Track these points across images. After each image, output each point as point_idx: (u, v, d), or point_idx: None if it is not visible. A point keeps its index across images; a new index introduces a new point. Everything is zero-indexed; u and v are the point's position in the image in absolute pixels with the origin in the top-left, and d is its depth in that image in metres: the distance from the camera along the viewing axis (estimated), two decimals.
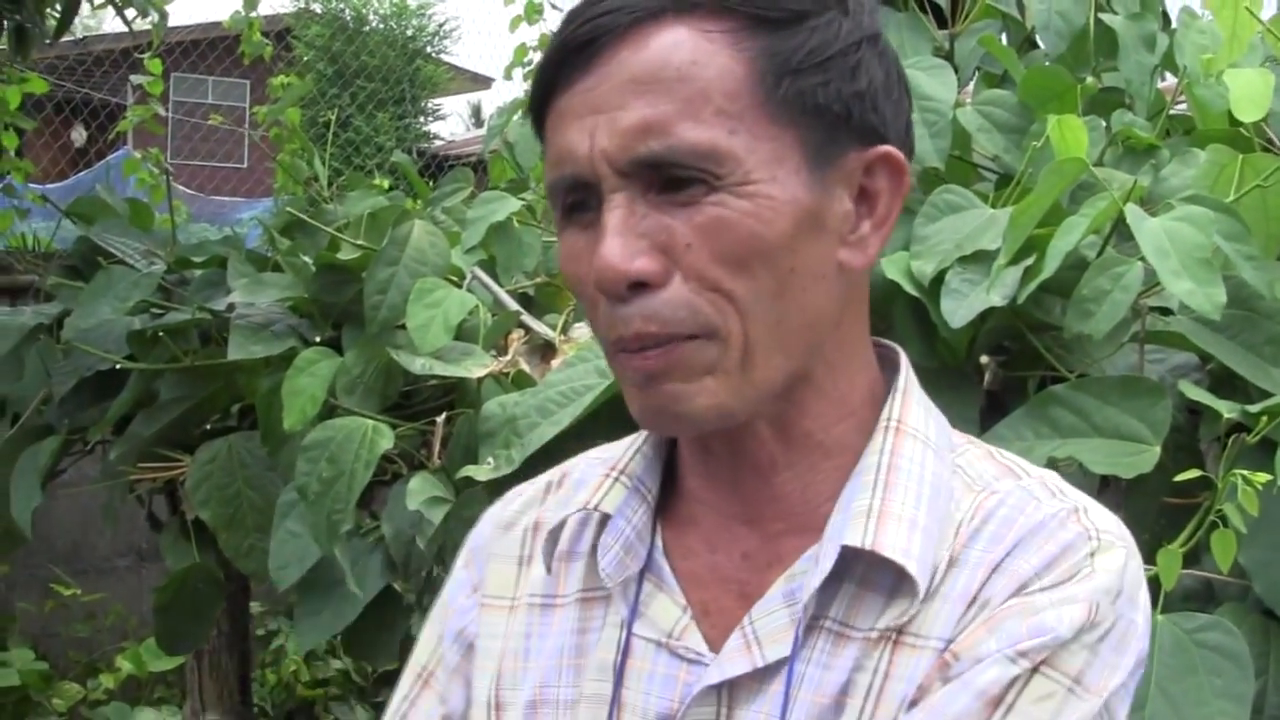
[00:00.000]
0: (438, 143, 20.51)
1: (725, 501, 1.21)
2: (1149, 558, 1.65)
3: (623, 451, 1.28)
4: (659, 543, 1.23)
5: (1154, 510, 1.79)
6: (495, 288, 2.99)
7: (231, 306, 3.04)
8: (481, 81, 24.38)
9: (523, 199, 3.13)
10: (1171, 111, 2.59)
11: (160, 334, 3.18)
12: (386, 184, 5.55)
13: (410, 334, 2.63)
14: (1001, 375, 2.12)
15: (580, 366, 2.29)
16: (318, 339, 3.00)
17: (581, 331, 2.74)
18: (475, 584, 1.34)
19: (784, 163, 1.09)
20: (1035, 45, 2.95)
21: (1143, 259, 1.81)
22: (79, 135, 14.16)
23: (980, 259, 2.00)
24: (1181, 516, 1.73)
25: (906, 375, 1.22)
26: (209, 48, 13.77)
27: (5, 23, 4.29)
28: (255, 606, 5.99)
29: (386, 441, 2.51)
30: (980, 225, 2.07)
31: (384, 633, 2.80)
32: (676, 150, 1.06)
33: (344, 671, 6.57)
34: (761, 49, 1.09)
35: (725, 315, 1.08)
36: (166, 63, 5.94)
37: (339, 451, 2.51)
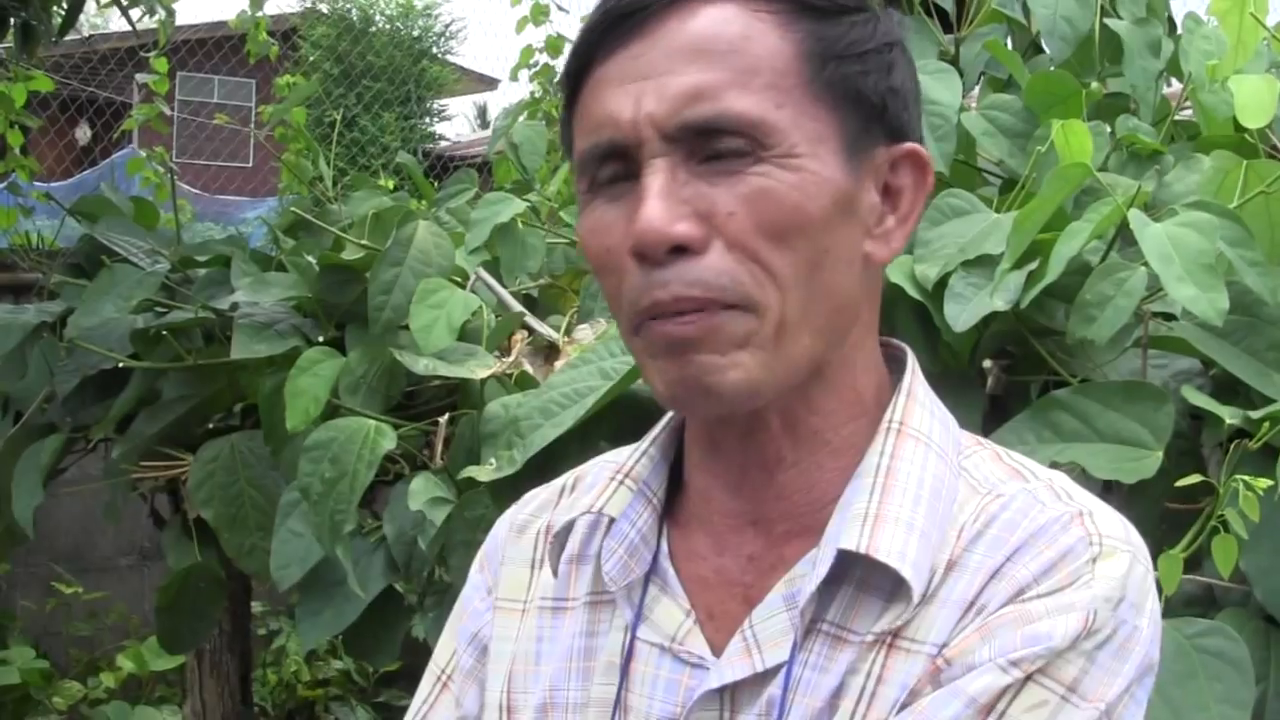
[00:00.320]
0: (443, 143, 20.51)
1: (732, 500, 1.21)
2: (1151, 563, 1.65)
3: (628, 454, 1.28)
4: (664, 546, 1.23)
5: (1156, 515, 1.79)
6: (499, 289, 2.99)
7: (235, 306, 3.04)
8: (487, 83, 24.39)
9: (527, 200, 3.14)
10: (1176, 117, 2.59)
11: (164, 333, 3.17)
12: (391, 184, 5.57)
13: (414, 334, 2.63)
14: (1004, 379, 2.12)
15: (583, 368, 2.29)
16: (321, 339, 2.99)
17: (584, 333, 2.74)
18: (489, 587, 1.35)
19: (825, 142, 1.10)
20: (1040, 50, 2.95)
21: (1146, 264, 1.81)
22: (83, 134, 14.19)
23: (984, 263, 2.00)
24: (1183, 522, 1.73)
25: (912, 375, 1.22)
26: (215, 47, 13.79)
27: (11, 20, 4.29)
28: (256, 606, 5.99)
29: (389, 442, 2.51)
30: (984, 229, 2.07)
31: (385, 633, 2.80)
32: (726, 117, 1.07)
33: (345, 672, 6.58)
34: (808, 32, 1.11)
35: (763, 287, 1.07)
36: (172, 62, 5.96)
37: (341, 451, 2.51)
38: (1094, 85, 2.56)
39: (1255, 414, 1.68)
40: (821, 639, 1.13)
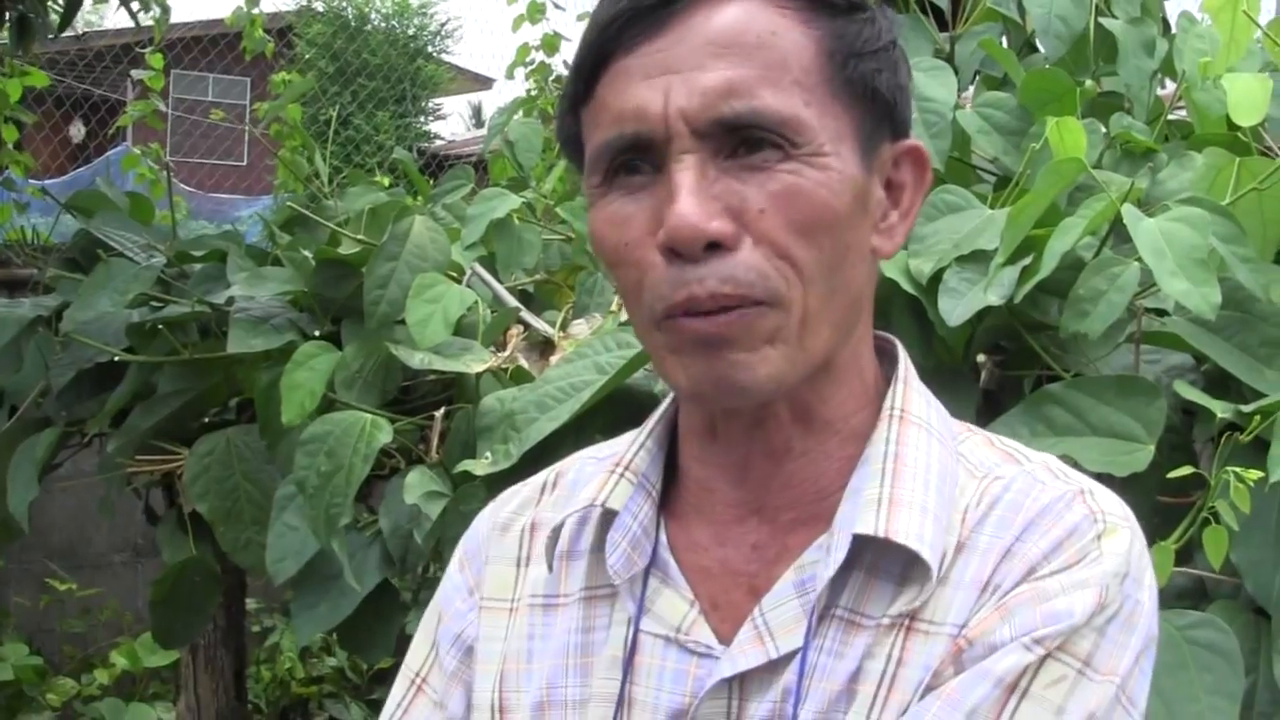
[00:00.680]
0: (438, 142, 20.52)
1: (734, 490, 1.21)
2: None
3: (626, 448, 1.28)
4: (664, 538, 1.23)
5: (1148, 509, 1.80)
6: (495, 284, 3.00)
7: (231, 300, 3.05)
8: (482, 82, 24.41)
9: (523, 196, 3.14)
10: (1170, 116, 2.60)
11: (159, 327, 3.18)
12: (387, 182, 5.58)
13: (410, 329, 2.64)
14: (998, 374, 2.13)
15: (579, 362, 2.30)
16: (317, 333, 3.00)
17: (580, 328, 2.75)
18: (472, 586, 1.34)
19: (845, 140, 1.12)
20: (1035, 48, 2.96)
21: (1139, 260, 1.82)
22: (77, 131, 14.18)
23: (978, 259, 2.01)
24: (1175, 515, 1.74)
25: (906, 365, 1.24)
26: (210, 44, 13.78)
27: (7, 15, 4.30)
28: (250, 603, 5.99)
29: (385, 436, 2.52)
30: (978, 225, 2.08)
31: (380, 627, 2.80)
32: (760, 114, 1.08)
33: (339, 669, 6.58)
34: (828, 30, 1.12)
35: (790, 283, 1.09)
36: (167, 59, 5.96)
37: (337, 445, 2.51)
38: (1088, 84, 2.57)
39: (1247, 408, 1.70)
40: (836, 624, 1.14)
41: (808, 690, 1.13)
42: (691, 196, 1.06)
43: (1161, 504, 1.82)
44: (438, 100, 23.59)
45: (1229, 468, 1.57)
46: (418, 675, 1.36)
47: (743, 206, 1.08)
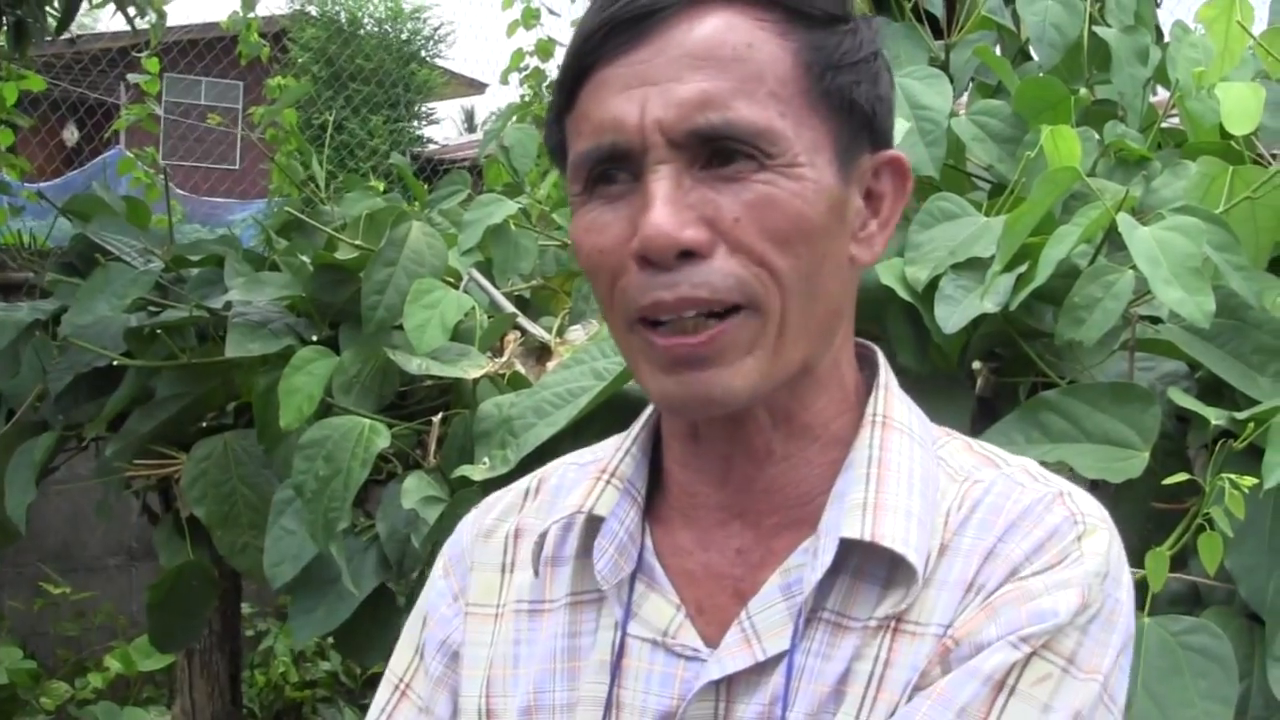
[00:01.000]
0: (431, 147, 20.50)
1: (717, 494, 1.23)
2: (1137, 561, 1.67)
3: (610, 454, 1.29)
4: (649, 543, 1.25)
5: (1142, 515, 1.81)
6: (491, 290, 3.01)
7: (229, 305, 3.05)
8: (475, 86, 24.40)
9: (518, 202, 3.15)
10: (1163, 124, 2.61)
11: (157, 331, 3.19)
12: (381, 187, 5.59)
13: (407, 334, 2.64)
14: (993, 381, 2.14)
15: (576, 368, 2.31)
16: (315, 338, 3.01)
17: (576, 334, 2.76)
18: (457, 592, 1.35)
19: (821, 152, 1.13)
20: (1029, 57, 2.98)
21: (1134, 268, 1.84)
22: (71, 134, 14.17)
23: (973, 266, 2.02)
24: (1169, 521, 1.75)
25: (887, 371, 1.26)
26: (206, 48, 13.77)
27: (5, 19, 4.30)
28: (244, 608, 6.00)
29: (383, 440, 2.53)
30: (974, 233, 2.09)
31: (377, 632, 2.81)
32: (735, 125, 1.09)
33: (332, 673, 6.58)
34: (805, 42, 1.13)
35: (768, 289, 1.10)
36: (162, 63, 5.96)
37: (336, 450, 2.52)
38: (1082, 92, 2.58)
39: (1241, 415, 1.71)
40: (823, 627, 1.16)
41: (796, 692, 1.14)
42: (666, 206, 1.08)
43: (1156, 510, 1.83)
44: (431, 105, 23.57)
45: (1224, 474, 1.58)
46: (402, 680, 1.37)
47: (717, 215, 1.09)
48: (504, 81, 5.74)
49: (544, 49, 5.54)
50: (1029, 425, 1.85)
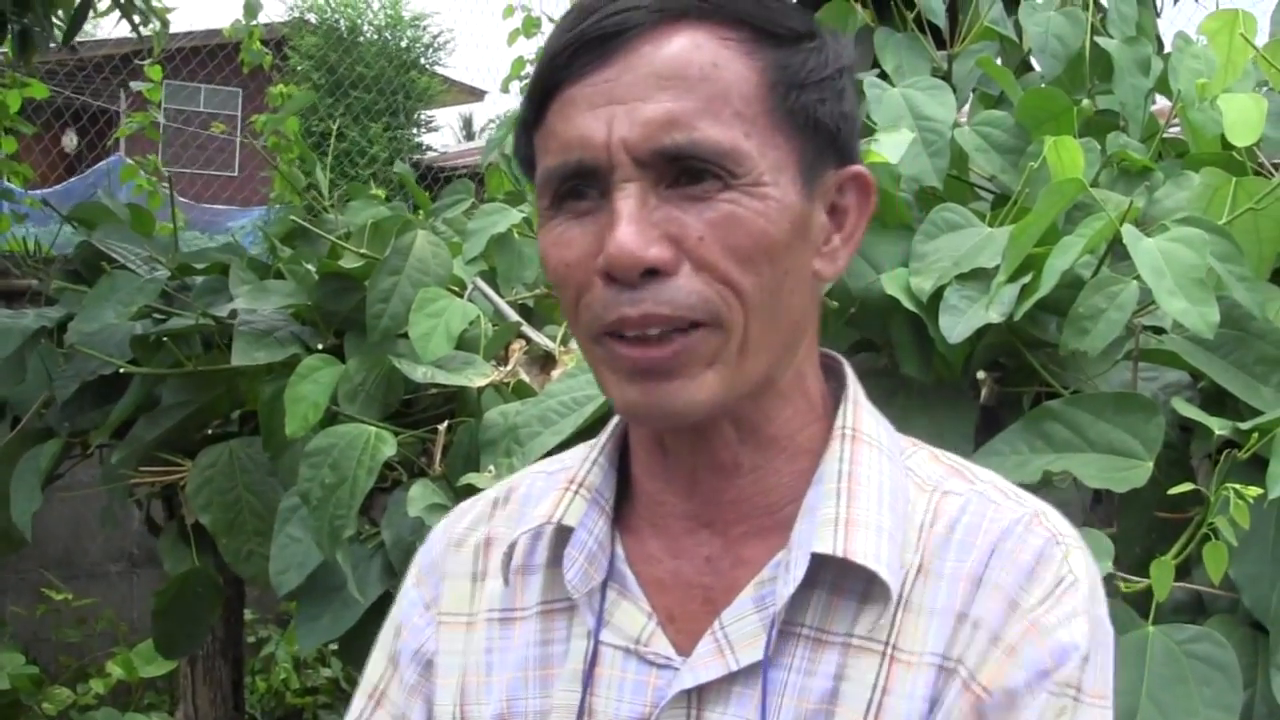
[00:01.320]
0: (430, 154, 20.50)
1: (685, 503, 1.24)
2: (1141, 570, 1.69)
3: (578, 464, 1.30)
4: (619, 551, 1.25)
5: (1146, 524, 1.83)
6: (496, 298, 3.01)
7: (234, 313, 3.06)
8: (474, 94, 24.41)
9: (521, 211, 3.16)
10: (1164, 134, 2.62)
11: (163, 339, 3.20)
12: (383, 194, 5.60)
13: (412, 343, 2.65)
14: (998, 391, 2.15)
15: (581, 377, 2.33)
16: (320, 346, 3.02)
17: None
18: (429, 601, 1.35)
19: (785, 170, 1.14)
20: (1031, 67, 2.99)
21: (1138, 278, 1.84)
22: (70, 141, 14.17)
23: (978, 276, 2.03)
24: (1172, 531, 1.76)
25: (855, 384, 1.27)
26: (209, 56, 13.77)
27: (10, 27, 4.32)
28: (246, 614, 6.00)
29: (389, 448, 2.54)
30: (978, 243, 2.10)
31: None
32: (700, 145, 1.10)
33: (333, 679, 6.59)
34: (771, 61, 1.14)
35: (731, 306, 1.11)
36: (165, 70, 5.98)
37: (342, 458, 2.53)
38: (1084, 102, 2.59)
39: (1244, 425, 1.72)
40: (803, 643, 1.17)
41: (779, 708, 1.16)
42: (631, 225, 1.09)
43: (1159, 520, 1.84)
44: (430, 112, 23.57)
45: (1229, 484, 1.59)
46: (376, 689, 1.37)
47: (682, 234, 1.10)
48: (505, 90, 5.75)
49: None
50: (1033, 435, 1.86)
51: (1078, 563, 1.16)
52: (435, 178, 11.98)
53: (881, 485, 1.20)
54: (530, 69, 5.62)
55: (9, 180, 5.57)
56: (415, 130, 22.03)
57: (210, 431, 3.39)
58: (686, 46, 1.12)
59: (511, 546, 1.28)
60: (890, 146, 2.20)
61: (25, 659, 6.16)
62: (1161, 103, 2.82)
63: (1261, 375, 1.88)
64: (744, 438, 1.21)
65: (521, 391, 2.64)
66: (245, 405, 3.29)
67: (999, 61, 3.05)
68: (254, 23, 5.98)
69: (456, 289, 2.92)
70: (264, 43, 6.17)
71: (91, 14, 4.90)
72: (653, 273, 1.10)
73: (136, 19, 4.94)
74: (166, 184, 4.57)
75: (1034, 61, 2.94)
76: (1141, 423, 1.80)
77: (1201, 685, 1.58)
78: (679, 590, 1.23)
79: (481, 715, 1.28)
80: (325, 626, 2.75)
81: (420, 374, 2.65)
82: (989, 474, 1.24)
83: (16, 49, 4.44)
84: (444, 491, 2.54)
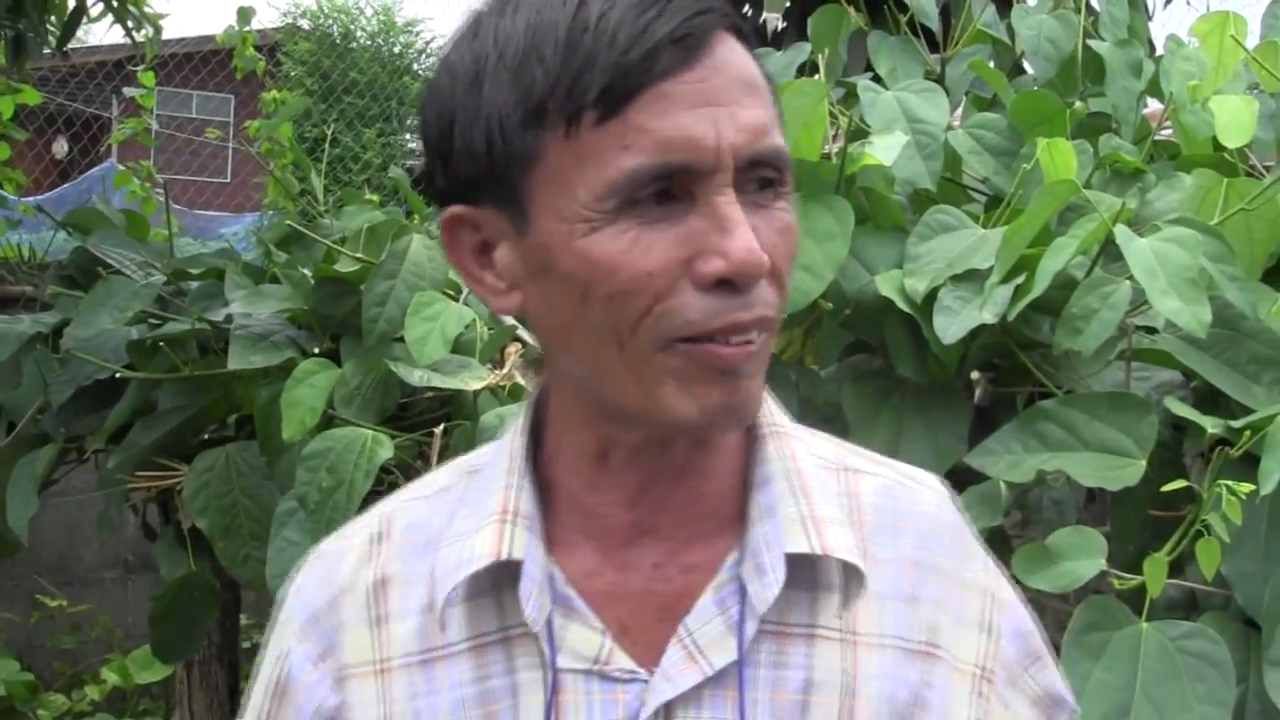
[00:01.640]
0: (423, 159, 20.48)
1: (627, 513, 1.22)
2: (1135, 568, 1.70)
3: (502, 494, 1.22)
4: (558, 572, 1.21)
5: (1139, 522, 1.84)
6: None
7: (230, 317, 3.07)
8: None
9: None
10: (1157, 136, 2.64)
11: (159, 344, 3.21)
12: (378, 200, 5.61)
13: (408, 346, 2.66)
14: (991, 391, 2.17)
15: None
16: (316, 350, 3.03)
17: None
18: (320, 655, 1.26)
19: None
20: (1023, 70, 3.00)
21: (1130, 278, 1.86)
22: (61, 148, 14.17)
23: (971, 277, 2.04)
24: (1165, 528, 1.77)
25: None
26: (202, 62, 13.78)
27: (4, 33, 4.33)
28: (242, 619, 6.00)
29: (386, 452, 2.55)
30: (972, 245, 2.11)
31: None
32: (779, 154, 1.11)
33: None
34: (766, 75, 1.16)
35: (780, 311, 1.13)
36: (158, 77, 5.99)
37: (339, 461, 2.54)
38: (1077, 105, 2.60)
39: (1236, 423, 1.73)
40: (768, 639, 1.18)
41: (755, 703, 1.16)
42: (747, 229, 1.07)
43: (1152, 517, 1.85)
44: None
45: (1222, 481, 1.60)
46: None
47: (762, 240, 1.09)
48: None
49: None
50: (1027, 434, 1.87)
51: (959, 510, 1.27)
52: None
53: (819, 477, 1.23)
54: None
55: (2, 187, 5.58)
56: (409, 136, 22.02)
57: (207, 436, 3.39)
58: (745, 56, 1.12)
59: (454, 588, 1.18)
60: (884, 149, 2.21)
61: (20, 666, 6.16)
62: (1154, 105, 2.84)
63: (1254, 374, 1.89)
64: (695, 441, 1.21)
65: (517, 394, 2.65)
66: (242, 410, 3.29)
67: (992, 64, 3.06)
68: (247, 29, 5.98)
69: (452, 293, 2.92)
70: (257, 49, 6.17)
71: (85, 20, 4.91)
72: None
73: (130, 25, 4.95)
74: (161, 190, 4.57)
75: (1026, 64, 2.95)
76: (1134, 422, 1.81)
77: (1195, 681, 1.60)
78: (629, 602, 1.21)
79: None
80: None
81: (416, 377, 2.66)
82: (864, 450, 1.32)
83: (10, 55, 4.45)
84: None
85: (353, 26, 21.62)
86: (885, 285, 2.05)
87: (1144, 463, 1.78)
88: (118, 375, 3.25)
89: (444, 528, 1.25)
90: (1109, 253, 1.98)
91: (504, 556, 1.17)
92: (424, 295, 2.73)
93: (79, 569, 6.58)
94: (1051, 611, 2.00)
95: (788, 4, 5.88)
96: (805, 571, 1.18)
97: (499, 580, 1.18)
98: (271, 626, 1.33)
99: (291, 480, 2.61)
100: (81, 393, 3.35)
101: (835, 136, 2.40)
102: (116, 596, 6.67)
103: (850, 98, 2.53)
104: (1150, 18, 7.79)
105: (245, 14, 5.95)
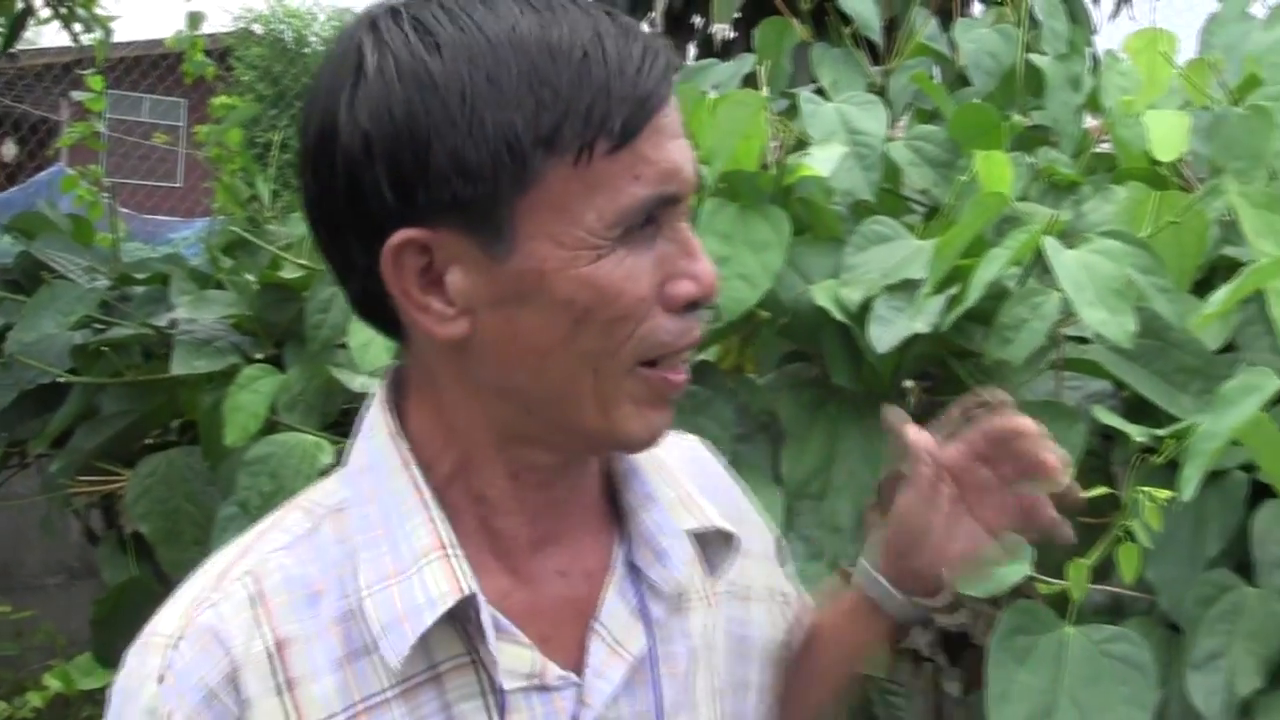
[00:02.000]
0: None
1: (531, 528, 1.24)
2: (1064, 573, 1.73)
3: (428, 527, 1.19)
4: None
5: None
6: None
7: (174, 323, 3.08)
8: None
9: None
10: (1097, 149, 2.67)
11: (103, 349, 3.20)
12: None
13: (351, 352, 2.66)
14: (925, 399, 2.19)
15: None
16: (260, 356, 3.03)
17: None
18: None
19: None
20: (967, 82, 3.03)
21: (1061, 289, 1.89)
22: (9, 151, 14.09)
23: (906, 287, 2.06)
24: (1094, 535, 1.80)
25: None
26: (152, 65, 13.73)
27: None
28: None
29: (327, 457, 2.55)
30: (907, 255, 2.14)
31: None
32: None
33: None
34: None
35: None
36: (107, 80, 5.95)
37: (280, 466, 2.54)
38: (1015, 118, 2.64)
39: (1161, 432, 1.76)
40: (667, 616, 1.29)
41: (662, 678, 1.25)
42: (705, 254, 1.16)
43: (1082, 524, 1.88)
44: None
45: (1140, 488, 1.63)
46: None
47: None
48: None
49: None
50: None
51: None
52: None
53: (663, 458, 1.33)
54: None
55: None
56: None
57: (150, 441, 3.39)
58: None
59: (426, 630, 1.14)
60: (822, 160, 2.24)
61: None
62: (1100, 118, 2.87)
63: (1181, 384, 1.92)
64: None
65: None
66: (185, 415, 3.29)
67: (938, 77, 3.10)
68: (197, 33, 5.96)
69: None
70: (208, 53, 6.14)
71: (33, 21, 4.89)
72: None
73: (78, 28, 4.93)
74: (108, 194, 4.56)
75: (969, 76, 2.99)
76: (1063, 430, 1.83)
77: (1118, 684, 1.62)
78: (546, 612, 1.24)
79: None
80: None
81: (359, 383, 2.67)
82: None
83: None
84: None
85: (305, 32, 21.57)
86: (821, 295, 2.07)
87: (1072, 470, 1.80)
88: (61, 380, 3.24)
89: (326, 575, 1.19)
90: (1042, 264, 2.01)
91: (466, 592, 1.15)
92: None
93: (22, 575, 6.54)
94: (984, 617, 2.03)
95: (737, 14, 5.92)
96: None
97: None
98: None
99: (234, 485, 2.62)
100: (25, 397, 3.34)
101: (781, 147, 2.42)
102: (60, 603, 6.63)
103: (795, 109, 2.55)
104: (1095, 32, 7.87)
105: (195, 18, 5.93)
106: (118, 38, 5.89)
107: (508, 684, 1.18)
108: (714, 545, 1.30)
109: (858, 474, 2.07)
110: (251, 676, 1.14)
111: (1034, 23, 2.94)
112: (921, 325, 1.99)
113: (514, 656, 1.19)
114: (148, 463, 3.12)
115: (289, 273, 3.08)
